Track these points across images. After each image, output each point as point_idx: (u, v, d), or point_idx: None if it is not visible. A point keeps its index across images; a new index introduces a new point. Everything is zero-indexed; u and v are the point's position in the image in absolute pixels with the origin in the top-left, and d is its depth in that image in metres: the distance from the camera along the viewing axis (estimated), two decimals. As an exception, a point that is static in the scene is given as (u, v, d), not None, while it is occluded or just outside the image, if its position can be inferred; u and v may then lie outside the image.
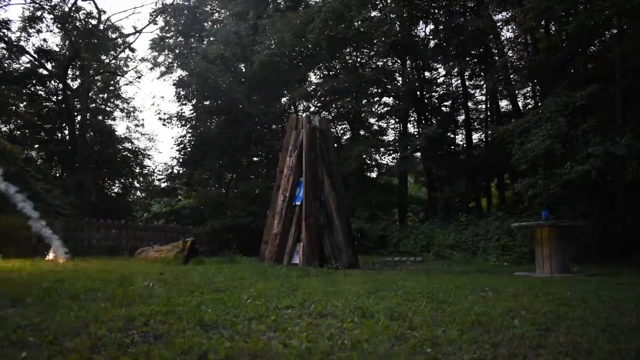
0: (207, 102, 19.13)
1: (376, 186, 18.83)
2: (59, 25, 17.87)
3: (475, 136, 19.70)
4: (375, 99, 19.12)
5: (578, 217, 9.94)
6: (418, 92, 18.09)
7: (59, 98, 18.86)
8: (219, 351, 2.00)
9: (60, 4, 17.76)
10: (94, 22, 18.71)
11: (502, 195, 18.62)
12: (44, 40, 21.47)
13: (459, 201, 17.16)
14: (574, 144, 9.97)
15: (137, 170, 21.49)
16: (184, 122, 19.74)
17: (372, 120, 20.28)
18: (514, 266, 9.03)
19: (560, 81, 11.50)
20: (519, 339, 2.33)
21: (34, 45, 18.62)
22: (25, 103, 18.57)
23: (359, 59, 19.80)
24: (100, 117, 21.23)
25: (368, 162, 18.92)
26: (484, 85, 17.76)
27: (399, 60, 18.78)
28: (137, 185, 21.93)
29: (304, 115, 8.78)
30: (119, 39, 21.10)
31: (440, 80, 19.89)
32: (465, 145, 19.01)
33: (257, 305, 3.11)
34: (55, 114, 19.12)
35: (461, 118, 19.92)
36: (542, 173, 10.71)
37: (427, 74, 19.48)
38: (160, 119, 20.03)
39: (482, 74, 18.08)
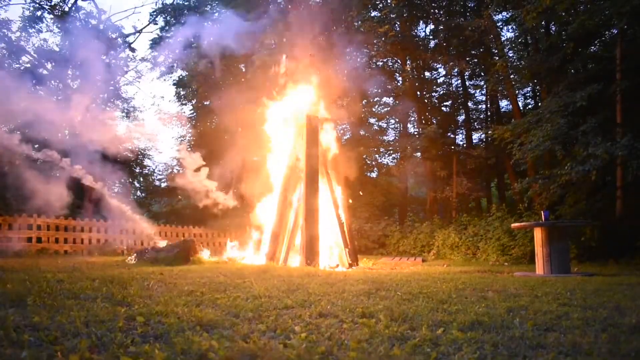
0: (207, 102, 19.16)
1: (376, 186, 18.83)
2: (59, 25, 17.91)
3: (475, 136, 19.75)
4: (376, 99, 19.16)
5: (578, 217, 9.95)
6: (418, 92, 18.10)
7: (59, 98, 18.85)
8: (219, 351, 2.00)
9: (60, 4, 17.80)
10: (94, 22, 18.75)
11: (502, 195, 18.65)
12: (44, 40, 21.53)
13: (459, 201, 17.18)
14: (574, 144, 9.98)
15: (137, 171, 21.49)
16: (184, 122, 19.77)
17: (372, 120, 20.31)
18: (514, 266, 9.02)
19: (560, 81, 11.50)
20: (519, 339, 2.33)
21: (34, 45, 18.66)
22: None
23: (359, 59, 19.83)
24: (100, 117, 21.20)
25: (368, 162, 18.92)
26: (484, 85, 17.79)
27: (399, 60, 18.80)
28: (137, 185, 21.93)
29: (304, 115, 8.77)
30: (119, 39, 21.12)
31: (440, 80, 19.92)
32: (465, 145, 19.04)
33: (256, 305, 3.11)
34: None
35: (461, 118, 19.96)
36: (542, 173, 10.71)
37: (427, 74, 19.49)
38: (160, 118, 20.08)
39: (482, 74, 18.12)
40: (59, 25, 17.79)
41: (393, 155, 19.61)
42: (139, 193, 22.20)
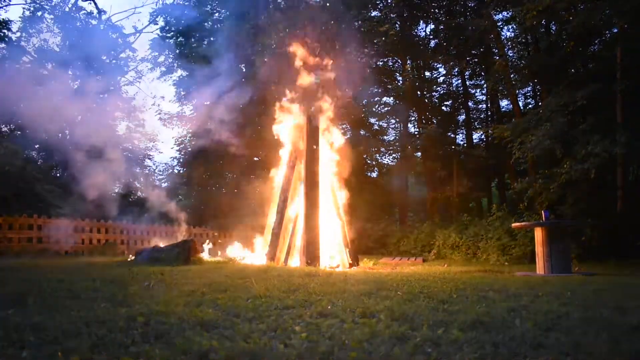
0: (208, 102, 19.14)
1: (376, 186, 18.83)
2: (59, 25, 17.89)
3: (476, 136, 19.75)
4: (376, 99, 19.15)
5: (578, 217, 9.94)
6: (418, 92, 18.09)
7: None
8: (219, 351, 2.00)
9: (60, 4, 17.79)
10: (94, 22, 18.74)
11: (502, 195, 18.64)
12: (44, 40, 21.49)
13: (459, 201, 17.18)
14: (575, 143, 9.99)
15: (137, 171, 21.46)
16: (184, 122, 19.75)
17: (372, 120, 20.30)
18: (514, 266, 9.02)
19: (560, 80, 11.50)
20: (519, 338, 2.33)
21: (34, 45, 18.62)
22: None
23: (359, 59, 19.81)
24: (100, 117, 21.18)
25: (369, 162, 18.92)
26: (484, 85, 17.80)
27: (399, 60, 18.80)
28: (137, 185, 21.90)
29: (304, 115, 8.77)
30: (119, 39, 21.10)
31: (441, 80, 19.92)
32: (465, 145, 19.04)
33: (257, 305, 3.11)
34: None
35: (461, 118, 19.97)
36: (542, 173, 10.71)
37: (427, 73, 19.49)
38: (160, 119, 20.07)
39: (482, 74, 18.12)
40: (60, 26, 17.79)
41: (393, 155, 19.61)
42: (138, 193, 22.19)
